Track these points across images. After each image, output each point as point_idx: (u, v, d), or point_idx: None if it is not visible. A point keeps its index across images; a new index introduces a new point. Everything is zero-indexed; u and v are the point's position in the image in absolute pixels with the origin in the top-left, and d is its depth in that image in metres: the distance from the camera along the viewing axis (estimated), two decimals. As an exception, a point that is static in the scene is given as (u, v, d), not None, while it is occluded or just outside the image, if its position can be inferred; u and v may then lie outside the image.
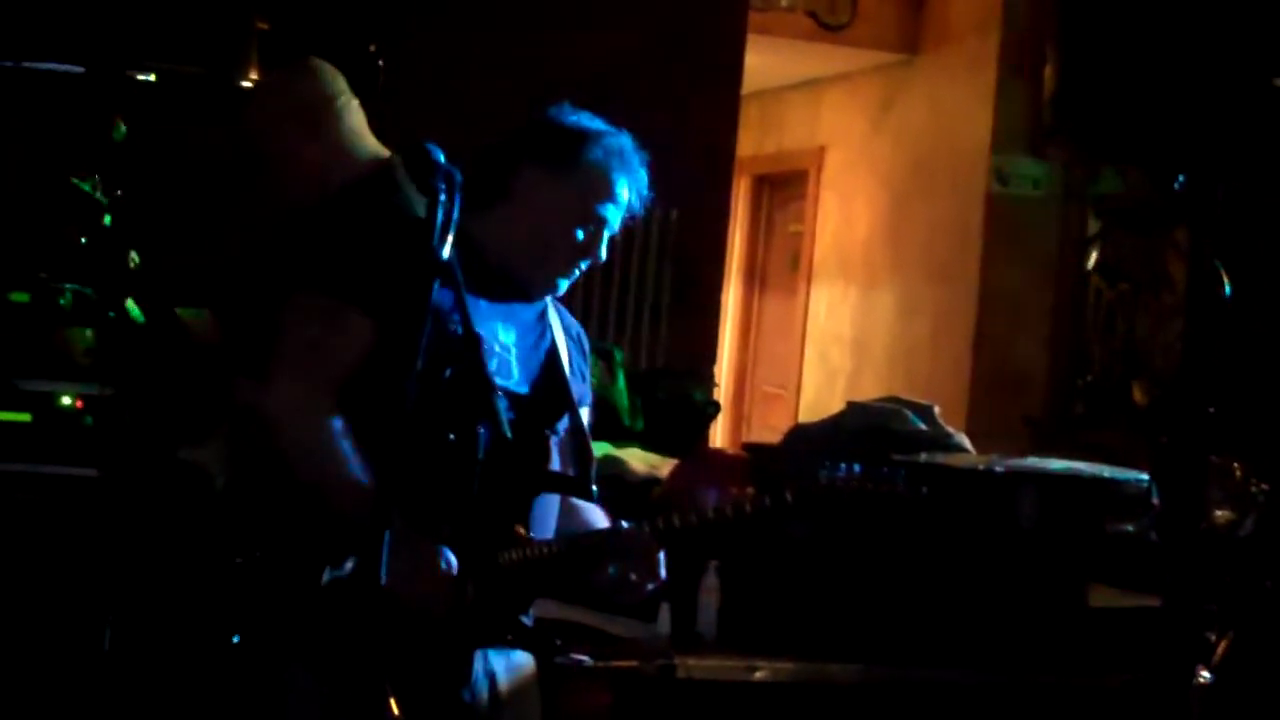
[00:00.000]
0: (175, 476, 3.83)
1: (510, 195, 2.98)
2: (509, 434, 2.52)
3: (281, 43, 5.36)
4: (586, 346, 3.18)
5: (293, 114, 3.69)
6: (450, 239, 2.42)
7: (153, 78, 5.35)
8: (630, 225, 3.09)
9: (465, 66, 5.60)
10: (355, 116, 3.74)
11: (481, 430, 2.51)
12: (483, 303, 2.77)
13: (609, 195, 2.98)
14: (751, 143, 8.04)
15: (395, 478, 2.34)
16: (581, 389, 3.07)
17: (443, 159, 2.50)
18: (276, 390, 2.79)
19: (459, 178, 2.48)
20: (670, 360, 5.96)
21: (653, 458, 4.55)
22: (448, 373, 2.57)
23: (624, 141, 3.04)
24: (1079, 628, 3.87)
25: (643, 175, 3.03)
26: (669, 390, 5.50)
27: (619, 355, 5.46)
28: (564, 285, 3.02)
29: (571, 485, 2.97)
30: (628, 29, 5.76)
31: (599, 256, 3.00)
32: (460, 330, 2.53)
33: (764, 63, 7.00)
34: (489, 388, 2.56)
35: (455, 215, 2.43)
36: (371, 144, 3.70)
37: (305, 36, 5.45)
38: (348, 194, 3.38)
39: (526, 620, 2.87)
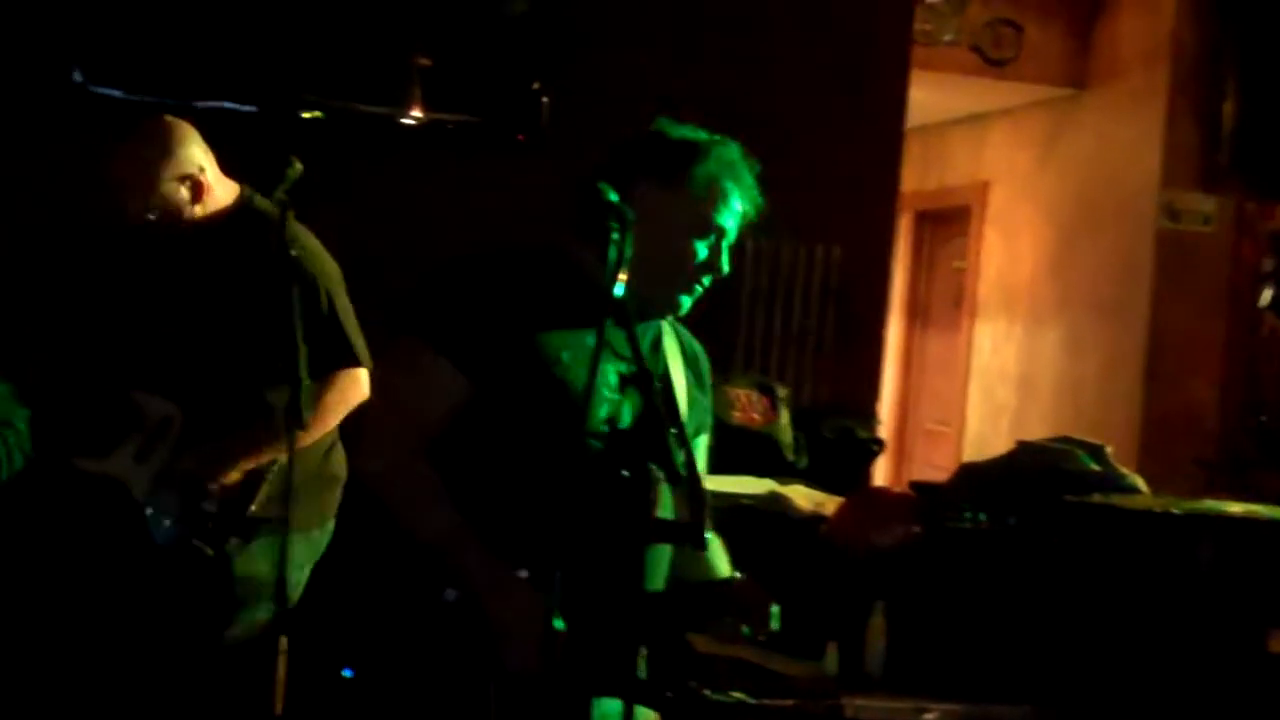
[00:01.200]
0: (92, 488, 4.00)
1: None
2: (683, 471, 2.52)
3: (443, 79, 5.54)
4: (704, 368, 3.15)
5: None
6: (622, 277, 2.45)
7: (320, 115, 5.48)
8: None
9: (627, 101, 5.62)
10: None
11: (652, 467, 2.52)
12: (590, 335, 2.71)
13: (723, 205, 2.96)
14: (914, 178, 7.97)
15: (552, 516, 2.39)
16: (700, 417, 3.06)
17: (615, 198, 2.53)
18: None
19: (631, 217, 2.51)
20: (834, 397, 5.91)
21: (818, 495, 4.52)
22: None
23: (733, 150, 3.01)
24: (1260, 674, 3.75)
25: (754, 183, 3.01)
26: (833, 427, 5.48)
27: (782, 392, 5.45)
28: (687, 303, 3.00)
29: (683, 533, 2.89)
30: (791, 64, 5.76)
31: (721, 270, 2.98)
32: (634, 368, 2.56)
33: (927, 98, 6.94)
34: (662, 425, 2.54)
35: (628, 253, 2.46)
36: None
37: (467, 73, 5.53)
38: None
39: (649, 660, 2.84)
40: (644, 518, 2.75)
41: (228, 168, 4.23)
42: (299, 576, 4.07)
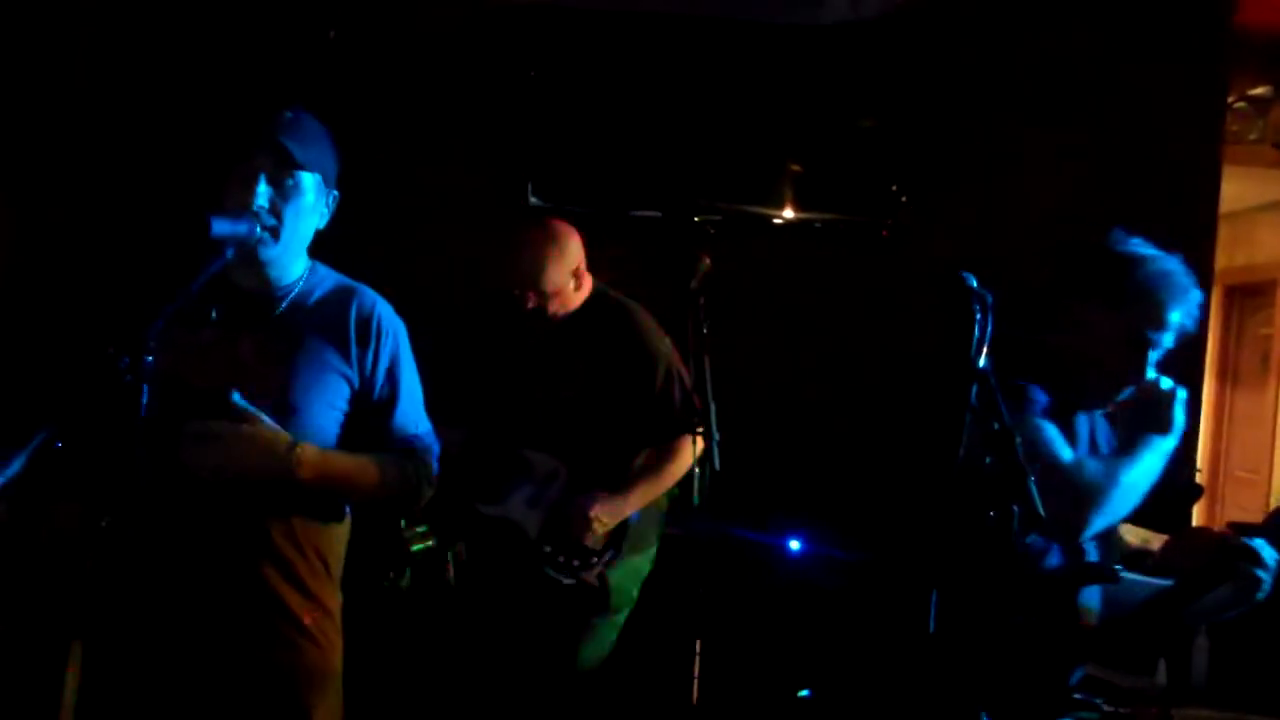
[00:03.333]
0: (495, 530, 4.16)
1: (1064, 326, 2.94)
2: (1042, 512, 2.59)
3: (813, 182, 5.54)
4: None
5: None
6: (986, 351, 2.54)
7: (718, 218, 5.62)
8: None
9: (971, 200, 5.70)
10: None
11: (1015, 509, 2.59)
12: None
13: (1161, 322, 2.87)
14: (1223, 257, 7.83)
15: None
16: None
17: (975, 283, 2.60)
18: None
19: (990, 299, 2.58)
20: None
21: (1143, 532, 4.53)
22: (988, 460, 2.62)
23: (1174, 265, 2.90)
24: None
25: (1195, 295, 2.89)
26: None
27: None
28: (1109, 403, 2.96)
29: (1100, 573, 2.89)
30: (1113, 160, 5.76)
31: (1145, 374, 2.89)
32: (998, 426, 2.63)
33: (1235, 189, 6.86)
34: (1022, 474, 2.59)
35: (990, 331, 2.54)
36: None
37: (834, 177, 5.53)
38: None
39: None
40: (1008, 554, 2.70)
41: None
42: (636, 590, 4.25)
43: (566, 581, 4.11)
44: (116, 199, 5.38)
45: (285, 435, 2.73)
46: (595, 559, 4.12)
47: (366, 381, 2.87)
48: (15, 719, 3.57)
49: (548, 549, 4.12)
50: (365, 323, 2.88)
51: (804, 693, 2.98)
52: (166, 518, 2.77)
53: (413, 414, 2.93)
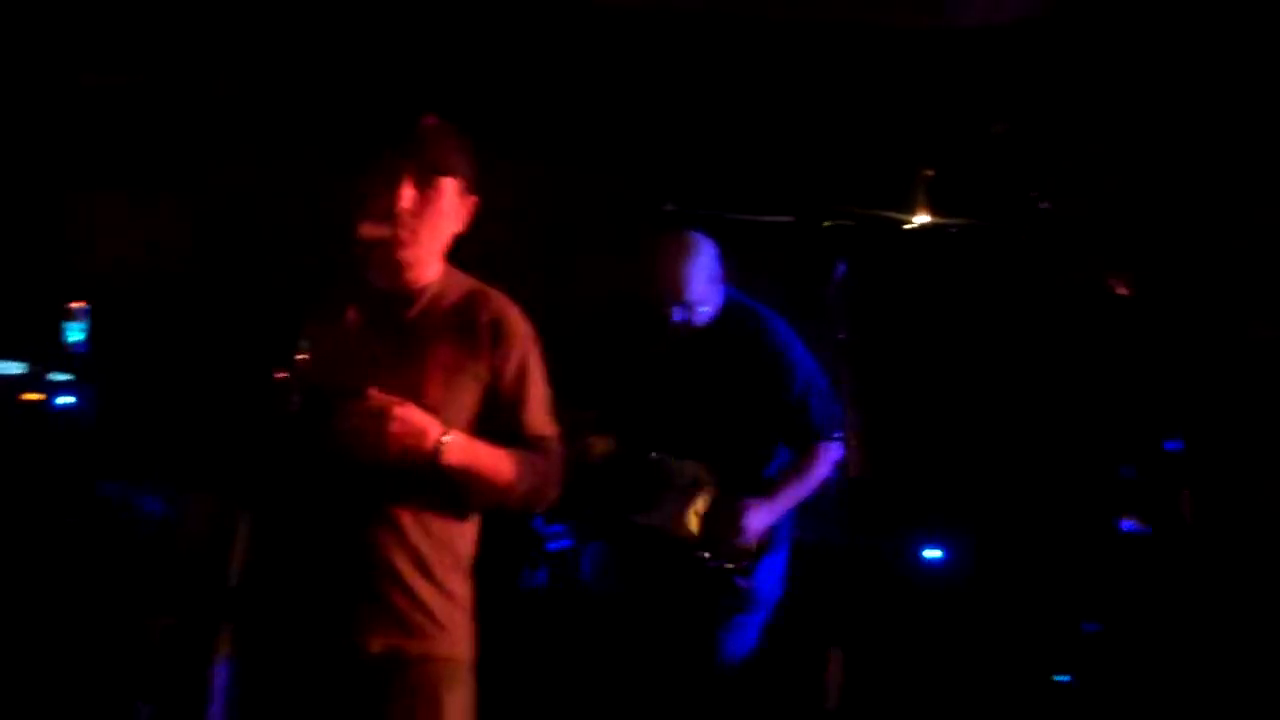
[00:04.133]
0: (645, 538, 4.22)
1: None
2: None
3: (945, 188, 5.49)
4: None
5: None
6: None
7: (849, 223, 5.63)
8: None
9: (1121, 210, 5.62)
10: None
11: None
12: None
13: None
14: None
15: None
16: None
17: None
18: None
19: None
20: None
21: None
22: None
23: None
24: None
25: None
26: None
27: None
28: None
29: None
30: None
31: None
32: None
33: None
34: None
35: None
36: None
37: (967, 182, 5.62)
38: None
39: None
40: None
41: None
42: (779, 588, 4.30)
43: (742, 585, 4.19)
44: (261, 200, 5.55)
45: (437, 420, 2.82)
46: (747, 562, 4.21)
47: (497, 383, 2.95)
48: (166, 706, 3.68)
49: (704, 554, 4.20)
50: (497, 325, 2.96)
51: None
52: (306, 509, 2.87)
53: (542, 416, 3.00)
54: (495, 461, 2.89)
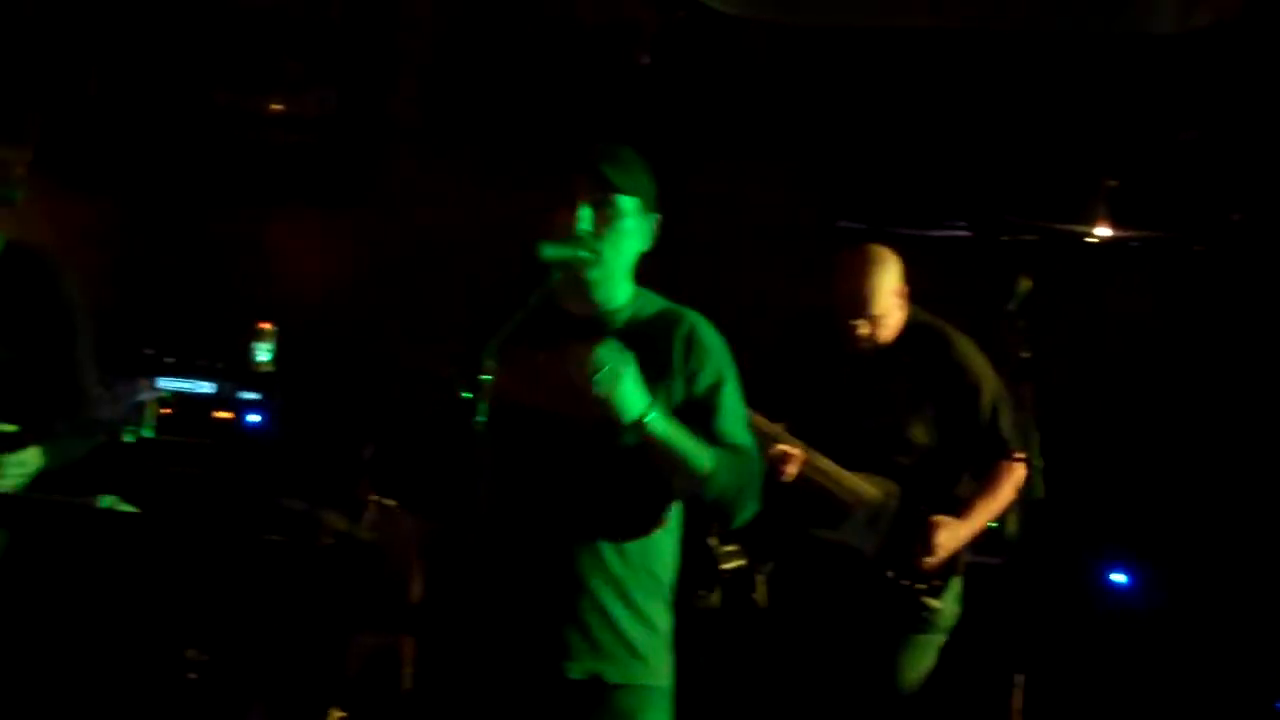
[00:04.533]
0: (830, 555, 4.17)
1: None
2: None
3: (1127, 198, 5.44)
4: None
5: None
6: None
7: (1029, 237, 5.54)
8: None
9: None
10: None
11: None
12: None
13: None
14: None
15: None
16: None
17: None
18: None
19: None
20: None
21: None
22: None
23: None
24: None
25: None
26: None
27: None
28: None
29: None
30: None
31: None
32: None
33: None
34: None
35: None
36: None
37: (1153, 193, 5.42)
38: None
39: None
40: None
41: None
42: (959, 608, 4.27)
43: (933, 603, 4.15)
44: (448, 222, 5.63)
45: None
46: (937, 581, 4.18)
47: (691, 398, 2.95)
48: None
49: (889, 573, 4.17)
50: (691, 343, 2.97)
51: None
52: (501, 530, 2.91)
53: (738, 427, 3.00)
54: (696, 445, 2.88)
